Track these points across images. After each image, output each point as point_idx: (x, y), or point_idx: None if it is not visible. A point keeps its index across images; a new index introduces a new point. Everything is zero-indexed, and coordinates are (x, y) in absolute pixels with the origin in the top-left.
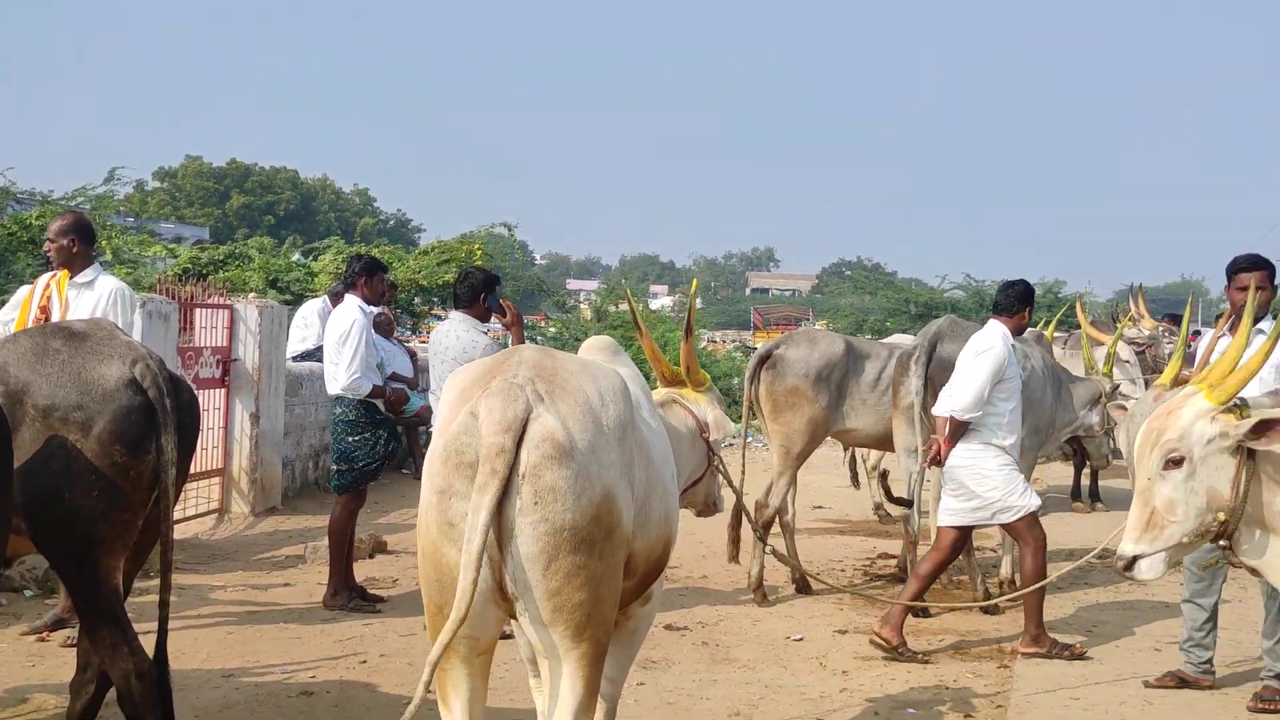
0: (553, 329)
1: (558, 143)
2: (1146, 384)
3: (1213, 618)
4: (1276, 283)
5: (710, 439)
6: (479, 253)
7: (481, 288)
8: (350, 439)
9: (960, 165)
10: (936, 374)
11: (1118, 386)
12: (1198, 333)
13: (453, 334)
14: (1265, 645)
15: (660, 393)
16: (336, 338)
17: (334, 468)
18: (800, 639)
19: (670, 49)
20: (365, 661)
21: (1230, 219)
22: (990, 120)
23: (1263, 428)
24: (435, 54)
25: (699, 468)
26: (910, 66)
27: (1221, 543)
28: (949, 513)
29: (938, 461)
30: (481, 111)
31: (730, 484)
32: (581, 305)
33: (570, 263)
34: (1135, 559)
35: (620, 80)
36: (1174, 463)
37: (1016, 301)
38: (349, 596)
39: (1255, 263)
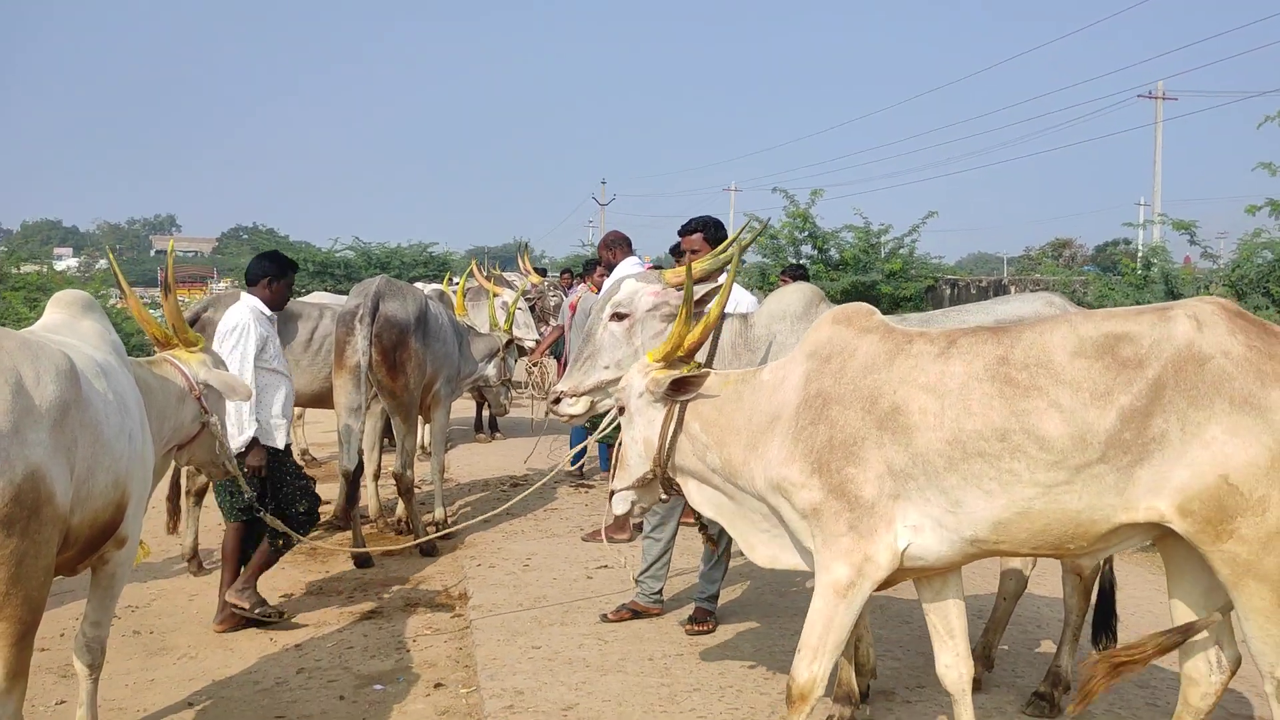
0: None
1: None
2: (539, 331)
3: (666, 552)
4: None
5: (200, 397)
6: None
7: None
8: None
9: (340, 138)
10: (381, 332)
11: (511, 340)
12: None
13: None
14: (701, 570)
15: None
16: None
17: None
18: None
19: (95, 16)
20: None
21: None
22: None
23: (679, 384)
24: None
25: (192, 426)
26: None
27: (663, 496)
28: None
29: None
30: None
31: (224, 444)
32: None
33: None
34: (613, 492)
35: (34, 51)
36: (620, 409)
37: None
38: None
39: (689, 226)
